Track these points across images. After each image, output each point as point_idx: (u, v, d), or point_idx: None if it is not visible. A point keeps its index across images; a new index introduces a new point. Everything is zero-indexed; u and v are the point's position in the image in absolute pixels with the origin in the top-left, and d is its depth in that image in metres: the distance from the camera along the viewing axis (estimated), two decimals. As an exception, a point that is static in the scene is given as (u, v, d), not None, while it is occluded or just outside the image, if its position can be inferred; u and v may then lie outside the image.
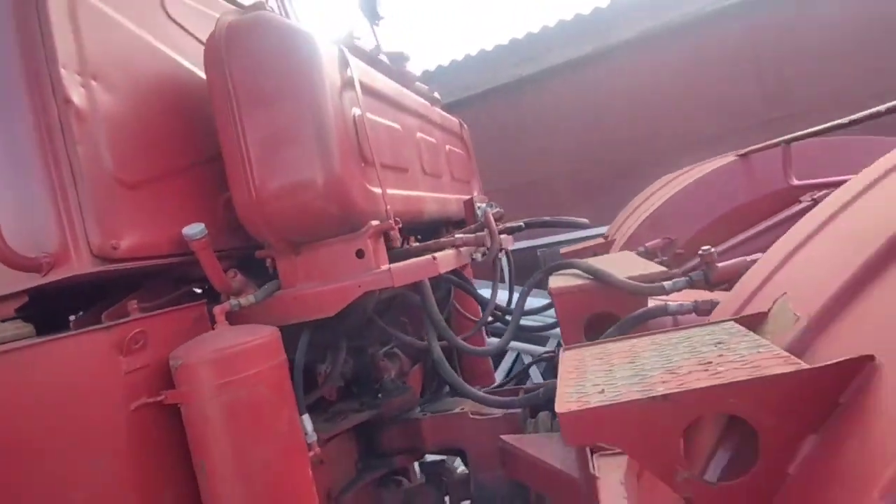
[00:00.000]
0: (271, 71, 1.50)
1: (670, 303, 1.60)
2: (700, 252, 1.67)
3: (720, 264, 1.65)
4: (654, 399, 0.67)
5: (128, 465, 1.29)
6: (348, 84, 1.65)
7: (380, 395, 2.41)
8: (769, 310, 0.95)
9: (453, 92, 6.97)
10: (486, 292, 3.11)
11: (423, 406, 2.51)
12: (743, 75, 6.24)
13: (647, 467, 0.70)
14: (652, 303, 1.72)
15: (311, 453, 1.60)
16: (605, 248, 3.44)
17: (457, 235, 1.91)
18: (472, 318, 2.92)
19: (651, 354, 0.89)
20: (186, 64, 1.71)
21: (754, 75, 6.19)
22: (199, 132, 1.67)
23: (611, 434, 0.70)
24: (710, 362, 0.77)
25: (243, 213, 1.58)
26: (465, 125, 3.04)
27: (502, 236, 2.73)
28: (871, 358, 0.61)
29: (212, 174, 1.68)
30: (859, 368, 0.62)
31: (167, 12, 1.68)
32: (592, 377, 0.84)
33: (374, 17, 3.72)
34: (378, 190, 1.67)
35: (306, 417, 1.61)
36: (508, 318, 2.65)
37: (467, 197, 2.55)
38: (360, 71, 1.81)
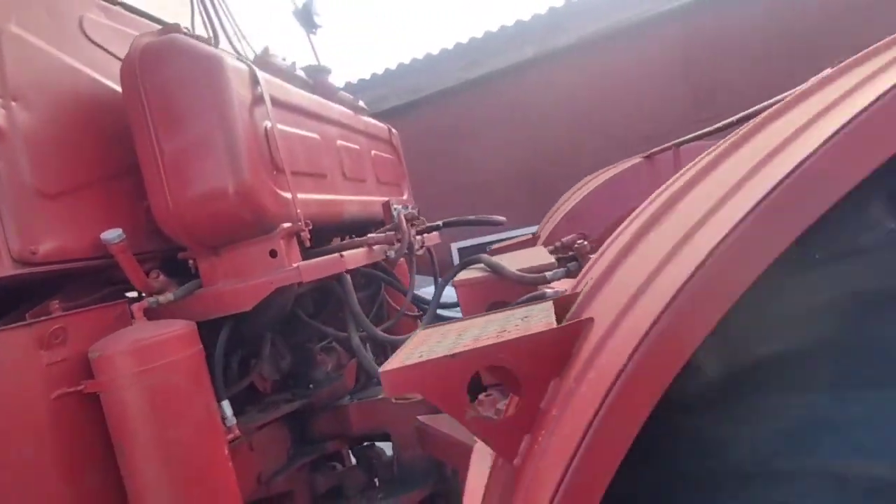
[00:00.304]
0: (182, 90, 1.65)
1: (548, 290, 1.83)
2: (575, 245, 1.91)
3: (591, 256, 1.90)
4: (444, 357, 0.87)
5: (50, 449, 1.43)
6: (259, 99, 1.82)
7: (311, 386, 2.58)
8: (581, 291, 1.17)
9: (401, 94, 7.16)
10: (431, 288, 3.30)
11: (353, 394, 2.69)
12: (676, 78, 6.62)
13: (445, 410, 0.91)
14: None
15: (231, 436, 1.77)
16: (532, 243, 3.68)
17: (369, 235, 2.10)
18: (406, 312, 3.11)
19: (476, 328, 1.09)
20: (107, 82, 1.84)
21: (685, 78, 6.57)
22: (119, 144, 1.81)
23: (417, 386, 0.90)
24: (506, 330, 0.97)
25: (161, 220, 1.73)
26: (394, 131, 3.23)
27: (427, 234, 2.94)
28: (591, 320, 0.83)
29: (134, 182, 1.82)
30: (582, 328, 0.83)
31: (86, 35, 1.81)
32: (423, 347, 1.04)
33: (310, 26, 3.87)
34: (290, 195, 1.85)
35: (225, 403, 1.77)
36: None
37: (394, 199, 2.74)
38: (273, 87, 1.97)
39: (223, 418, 1.74)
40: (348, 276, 2.19)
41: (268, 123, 1.82)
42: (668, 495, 0.75)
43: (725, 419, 0.71)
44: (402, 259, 2.60)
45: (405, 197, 3.18)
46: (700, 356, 0.85)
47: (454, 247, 7.19)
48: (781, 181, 0.54)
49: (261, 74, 1.84)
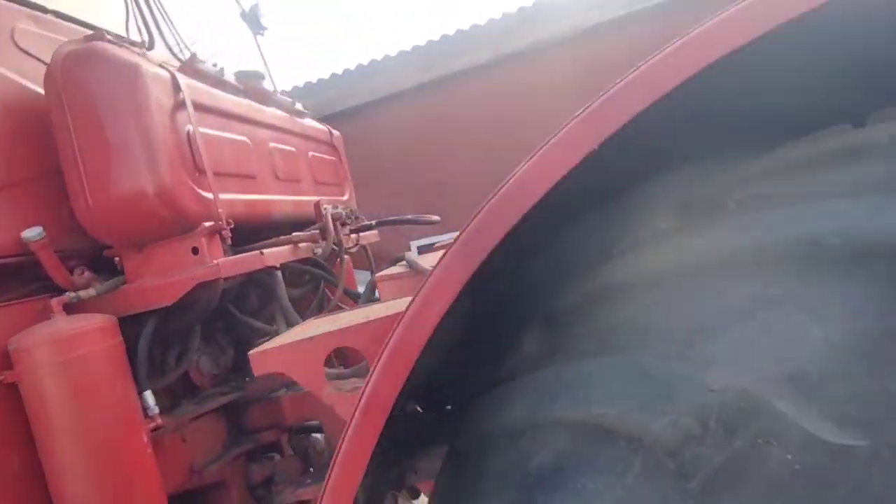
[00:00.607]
0: (101, 96, 1.74)
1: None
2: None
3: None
4: (302, 340, 1.00)
5: (-30, 437, 1.51)
6: (180, 104, 1.91)
7: (247, 379, 2.68)
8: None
9: (360, 94, 7.26)
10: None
11: (290, 387, 2.79)
12: (625, 82, 6.84)
13: (305, 387, 1.03)
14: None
15: (153, 425, 1.86)
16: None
17: (293, 234, 2.22)
18: (342, 305, 3.22)
19: (355, 315, 1.22)
20: (36, 88, 1.91)
21: (633, 82, 6.80)
22: (46, 146, 1.89)
23: (281, 366, 1.03)
24: (368, 318, 1.11)
25: (83, 220, 1.81)
26: (336, 133, 3.33)
27: (365, 233, 3.07)
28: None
29: (61, 182, 1.89)
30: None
31: (16, 44, 1.89)
32: (302, 332, 1.16)
33: (257, 28, 3.95)
34: (212, 195, 1.94)
35: (147, 394, 1.86)
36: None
37: (330, 198, 2.85)
38: (198, 92, 2.07)
39: (145, 408, 1.83)
40: (278, 272, 2.30)
41: (189, 127, 1.92)
42: (471, 451, 0.89)
43: (513, 389, 0.85)
44: (347, 257, 2.73)
45: (346, 197, 3.30)
46: (522, 339, 1.00)
47: (414, 245, 7.31)
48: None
49: (183, 80, 1.94)
